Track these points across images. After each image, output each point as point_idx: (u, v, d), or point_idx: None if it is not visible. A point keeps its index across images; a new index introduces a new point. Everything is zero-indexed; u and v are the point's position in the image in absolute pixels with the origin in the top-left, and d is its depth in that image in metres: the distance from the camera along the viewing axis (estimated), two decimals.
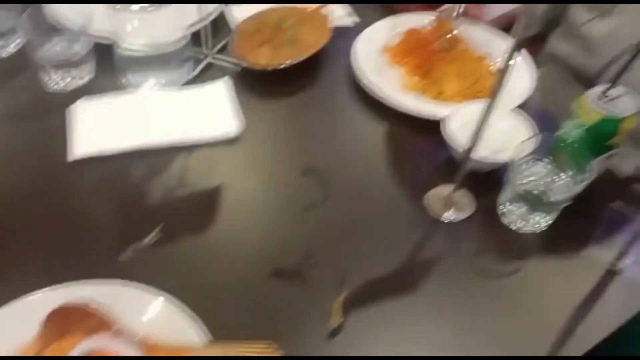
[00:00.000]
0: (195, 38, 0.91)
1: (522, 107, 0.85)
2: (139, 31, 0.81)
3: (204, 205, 0.74)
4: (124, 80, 0.87)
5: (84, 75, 0.87)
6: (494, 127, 0.79)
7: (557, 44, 1.02)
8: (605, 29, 0.92)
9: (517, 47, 0.55)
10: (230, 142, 0.81)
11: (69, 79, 0.86)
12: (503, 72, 0.57)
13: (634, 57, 0.70)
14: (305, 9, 0.99)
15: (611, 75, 0.87)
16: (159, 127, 0.80)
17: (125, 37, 0.82)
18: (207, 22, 0.92)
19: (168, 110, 0.83)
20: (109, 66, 0.86)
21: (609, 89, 0.70)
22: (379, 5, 1.07)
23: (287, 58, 0.89)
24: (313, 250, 0.69)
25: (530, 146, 0.72)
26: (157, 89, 0.86)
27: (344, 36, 0.99)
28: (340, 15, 1.04)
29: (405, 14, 1.03)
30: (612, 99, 0.70)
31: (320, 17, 0.98)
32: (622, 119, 0.69)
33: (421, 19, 1.00)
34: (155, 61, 0.85)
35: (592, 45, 0.93)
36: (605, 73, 0.92)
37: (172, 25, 0.82)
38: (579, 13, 0.96)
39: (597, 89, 0.71)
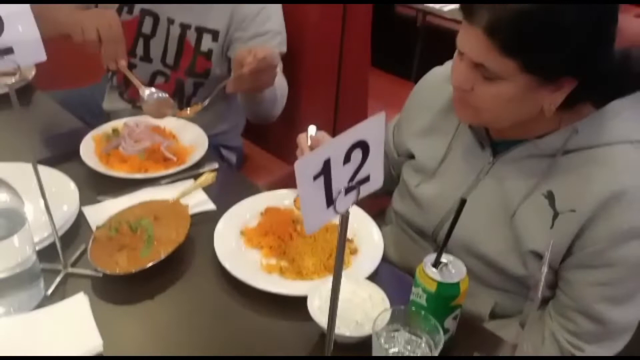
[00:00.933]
0: (48, 250, 0.90)
1: (377, 272, 0.91)
2: None
3: None
4: None
5: None
6: (352, 301, 0.83)
7: (396, 202, 1.13)
8: (432, 191, 1.03)
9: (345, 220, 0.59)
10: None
11: None
12: (341, 245, 0.60)
13: (455, 221, 0.80)
14: (165, 201, 1.03)
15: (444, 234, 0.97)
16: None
17: None
18: (57, 236, 0.91)
19: (22, 337, 0.79)
20: None
21: (439, 256, 0.78)
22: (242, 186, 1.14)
23: (147, 261, 0.90)
24: None
25: (385, 319, 0.76)
26: (8, 316, 0.82)
27: (206, 221, 1.03)
28: (200, 201, 1.08)
29: (267, 193, 1.09)
30: (445, 264, 0.78)
31: (179, 207, 1.02)
32: (458, 282, 0.76)
33: (281, 198, 1.07)
34: (4, 285, 0.81)
35: (423, 205, 1.04)
36: (441, 231, 1.02)
37: (19, 250, 0.81)
38: (410, 176, 1.08)
39: (431, 257, 0.79)
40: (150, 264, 0.89)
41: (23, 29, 0.78)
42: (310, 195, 0.55)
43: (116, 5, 1.48)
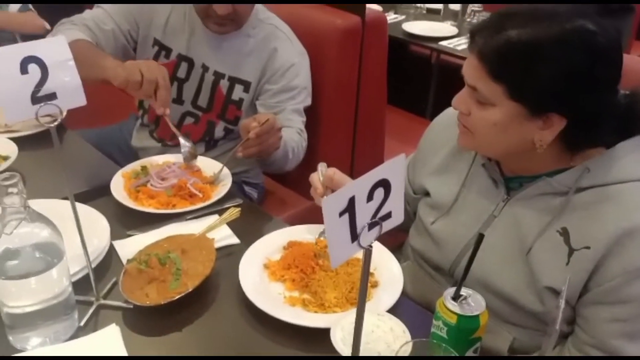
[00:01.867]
0: (80, 282, 0.94)
1: (396, 306, 0.93)
2: (21, 295, 0.83)
3: None
4: (10, 338, 0.86)
5: None
6: (374, 333, 0.86)
7: (413, 239, 1.16)
8: (448, 228, 1.06)
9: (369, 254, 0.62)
10: None
11: None
12: (365, 277, 0.64)
13: (474, 255, 0.82)
14: (191, 235, 1.07)
15: (462, 270, 1.00)
16: None
17: (7, 302, 0.83)
18: (91, 266, 0.95)
19: None
20: None
21: (459, 289, 0.80)
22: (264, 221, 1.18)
23: (176, 293, 0.93)
24: None
25: (407, 351, 0.78)
26: (44, 346, 0.86)
27: (231, 254, 1.07)
28: (225, 235, 1.12)
29: (289, 228, 1.13)
30: (465, 298, 0.80)
31: (205, 241, 1.06)
32: (478, 315, 0.79)
33: (302, 232, 1.11)
34: (41, 316, 0.86)
35: (440, 241, 1.07)
36: (457, 267, 1.04)
37: (57, 283, 0.85)
38: (426, 213, 1.11)
39: (450, 290, 0.81)
40: (178, 296, 0.93)
41: (66, 76, 0.85)
42: (336, 230, 0.59)
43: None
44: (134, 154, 1.70)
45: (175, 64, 1.56)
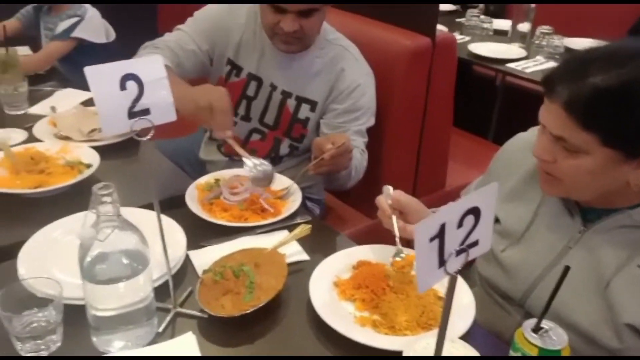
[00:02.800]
0: (158, 290, 0.97)
1: (467, 332, 0.92)
2: (108, 299, 0.87)
3: None
4: (94, 339, 0.90)
5: (55, 341, 0.90)
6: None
7: (481, 266, 1.14)
8: (518, 256, 1.04)
9: (454, 280, 0.62)
10: None
11: (42, 347, 0.89)
12: (448, 304, 0.64)
13: (557, 288, 0.81)
14: (263, 250, 1.10)
15: (534, 301, 0.98)
16: None
17: (95, 304, 0.87)
18: (170, 274, 0.99)
19: None
20: (78, 330, 0.91)
21: (540, 322, 0.79)
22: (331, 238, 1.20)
23: (249, 306, 0.96)
24: None
25: None
26: (125, 350, 0.90)
27: (300, 270, 1.09)
28: (295, 251, 1.14)
29: (358, 247, 1.14)
30: (546, 331, 0.79)
31: (277, 256, 1.08)
32: (560, 350, 0.77)
33: (372, 252, 1.11)
34: (124, 320, 0.89)
35: (510, 270, 1.05)
36: (529, 297, 1.02)
37: (142, 288, 0.89)
38: (495, 240, 1.09)
39: (531, 322, 0.80)
40: (252, 309, 0.95)
41: (160, 93, 0.89)
42: (425, 255, 0.60)
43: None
44: (202, 166, 1.76)
45: (245, 82, 1.61)
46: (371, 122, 1.59)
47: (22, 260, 1.05)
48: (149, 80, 0.87)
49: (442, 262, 0.61)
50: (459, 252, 0.62)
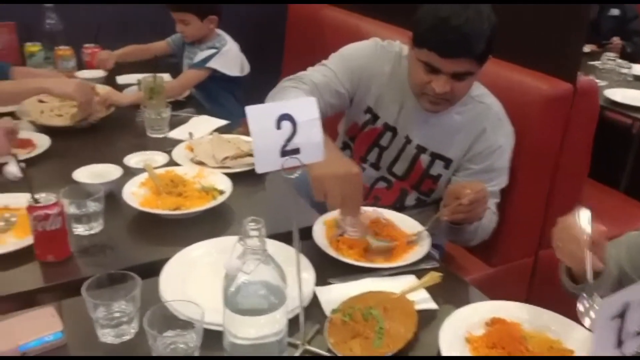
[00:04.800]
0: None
1: None
2: (247, 329, 0.89)
3: None
4: None
5: None
6: None
7: None
8: None
9: None
10: None
11: None
12: None
13: None
14: (391, 294, 1.08)
15: None
16: None
17: (235, 332, 0.90)
18: (302, 313, 1.00)
19: None
20: (211, 353, 0.94)
21: None
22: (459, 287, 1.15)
23: (379, 353, 0.94)
24: None
25: None
26: None
27: (429, 319, 1.06)
28: (422, 298, 1.11)
29: (490, 302, 1.09)
30: None
31: (406, 303, 1.06)
32: None
33: (504, 309, 1.06)
34: (258, 350, 0.91)
35: None
36: None
37: (278, 323, 0.91)
38: None
39: None
40: (381, 357, 0.94)
41: (311, 133, 0.92)
42: (603, 334, 0.55)
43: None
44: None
45: (380, 131, 1.60)
46: (505, 182, 1.53)
47: (164, 279, 1.11)
48: (302, 121, 0.90)
49: (619, 342, 0.56)
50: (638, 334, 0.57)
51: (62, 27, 2.46)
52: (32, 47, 2.43)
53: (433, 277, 1.11)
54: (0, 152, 1.48)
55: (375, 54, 1.59)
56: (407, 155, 1.57)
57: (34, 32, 2.42)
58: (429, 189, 1.58)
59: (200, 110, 2.14)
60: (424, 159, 1.55)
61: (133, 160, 1.61)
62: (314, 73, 1.57)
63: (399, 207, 1.61)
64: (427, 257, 1.25)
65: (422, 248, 1.26)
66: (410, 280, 1.15)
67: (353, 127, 1.65)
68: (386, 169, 1.61)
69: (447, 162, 1.53)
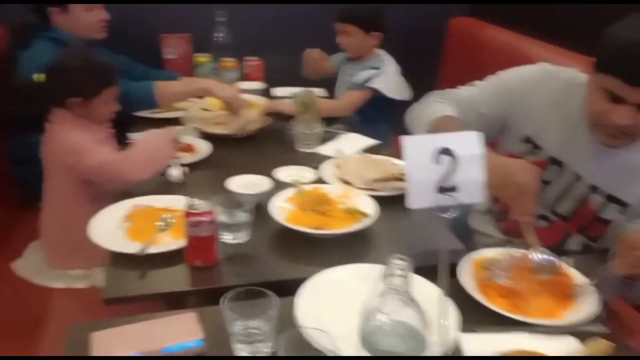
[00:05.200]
0: None
1: None
2: None
3: None
4: None
5: None
6: None
7: None
8: None
9: None
10: None
11: None
12: None
13: None
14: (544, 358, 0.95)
15: None
16: None
17: None
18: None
19: None
20: None
21: None
22: None
23: None
24: None
25: None
26: None
27: None
28: None
29: None
30: None
31: None
32: None
33: None
34: None
35: None
36: None
37: None
38: None
39: None
40: None
41: (472, 171, 0.84)
42: None
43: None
44: (468, 233, 1.64)
45: (544, 165, 1.43)
46: None
47: (301, 301, 1.09)
48: (464, 157, 0.83)
49: None
50: None
51: (231, 40, 2.62)
52: (202, 57, 2.62)
53: (602, 346, 0.95)
54: (167, 158, 1.60)
55: (539, 79, 1.45)
56: (575, 195, 1.40)
57: (205, 43, 2.61)
58: (598, 234, 1.39)
59: (351, 127, 2.13)
60: (596, 200, 1.37)
61: (282, 173, 1.64)
62: (462, 92, 1.50)
63: (559, 250, 1.44)
64: (594, 318, 1.09)
65: (586, 306, 1.10)
66: (570, 343, 1.01)
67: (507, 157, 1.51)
68: (548, 207, 1.45)
69: (624, 206, 1.34)
